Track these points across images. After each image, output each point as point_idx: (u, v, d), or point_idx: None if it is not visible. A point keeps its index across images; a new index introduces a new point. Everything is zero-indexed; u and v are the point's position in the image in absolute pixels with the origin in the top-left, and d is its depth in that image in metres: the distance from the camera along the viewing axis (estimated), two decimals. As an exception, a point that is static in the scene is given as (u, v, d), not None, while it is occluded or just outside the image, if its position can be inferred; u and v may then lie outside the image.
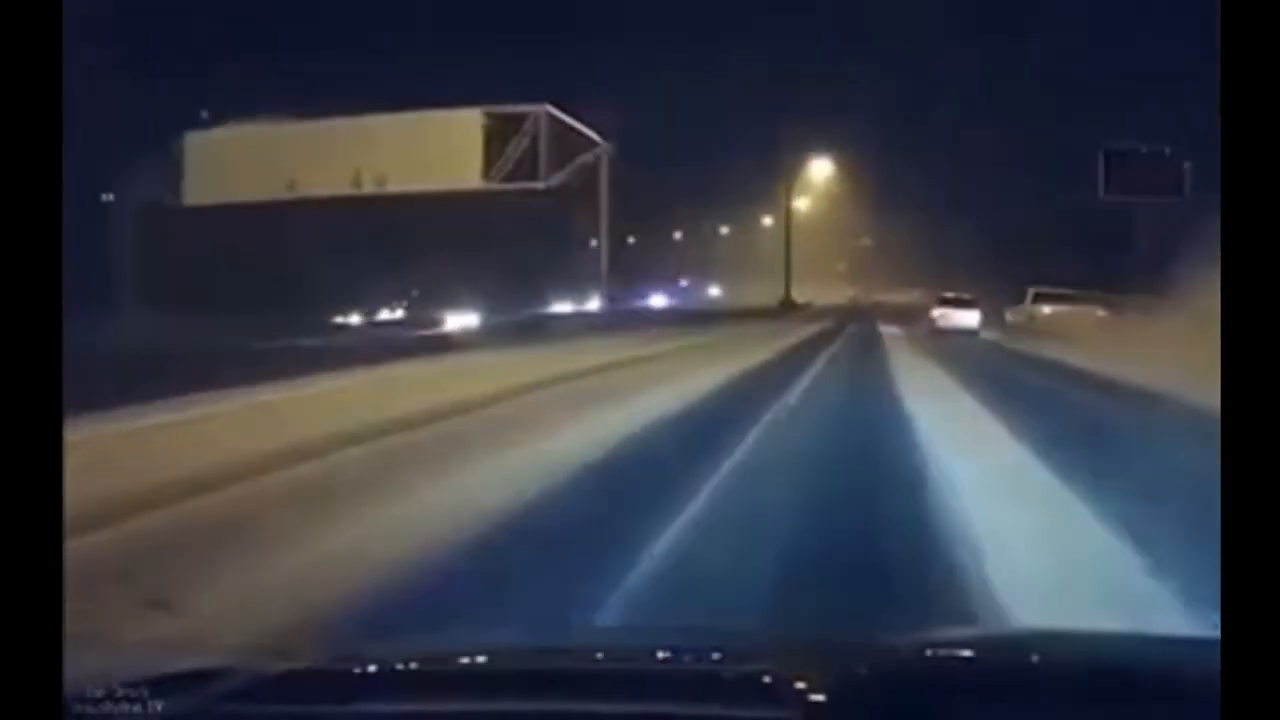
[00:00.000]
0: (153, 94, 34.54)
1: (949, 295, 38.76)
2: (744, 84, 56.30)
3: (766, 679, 1.89)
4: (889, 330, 36.37)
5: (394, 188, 43.63)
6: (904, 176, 65.72)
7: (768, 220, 78.18)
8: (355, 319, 47.57)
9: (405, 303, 53.84)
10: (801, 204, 75.08)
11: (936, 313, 37.21)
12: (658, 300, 62.61)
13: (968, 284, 40.55)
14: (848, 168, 68.75)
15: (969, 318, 35.66)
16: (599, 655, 2.16)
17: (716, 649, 2.18)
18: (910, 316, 42.72)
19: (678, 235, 73.36)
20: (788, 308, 57.09)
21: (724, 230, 77.00)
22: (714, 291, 76.76)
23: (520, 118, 44.46)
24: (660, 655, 2.11)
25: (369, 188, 44.09)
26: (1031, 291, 37.39)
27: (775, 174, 63.07)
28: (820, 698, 1.76)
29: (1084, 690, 1.73)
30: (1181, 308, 22.19)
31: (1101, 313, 32.81)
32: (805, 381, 16.77)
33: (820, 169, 68.54)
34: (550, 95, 47.08)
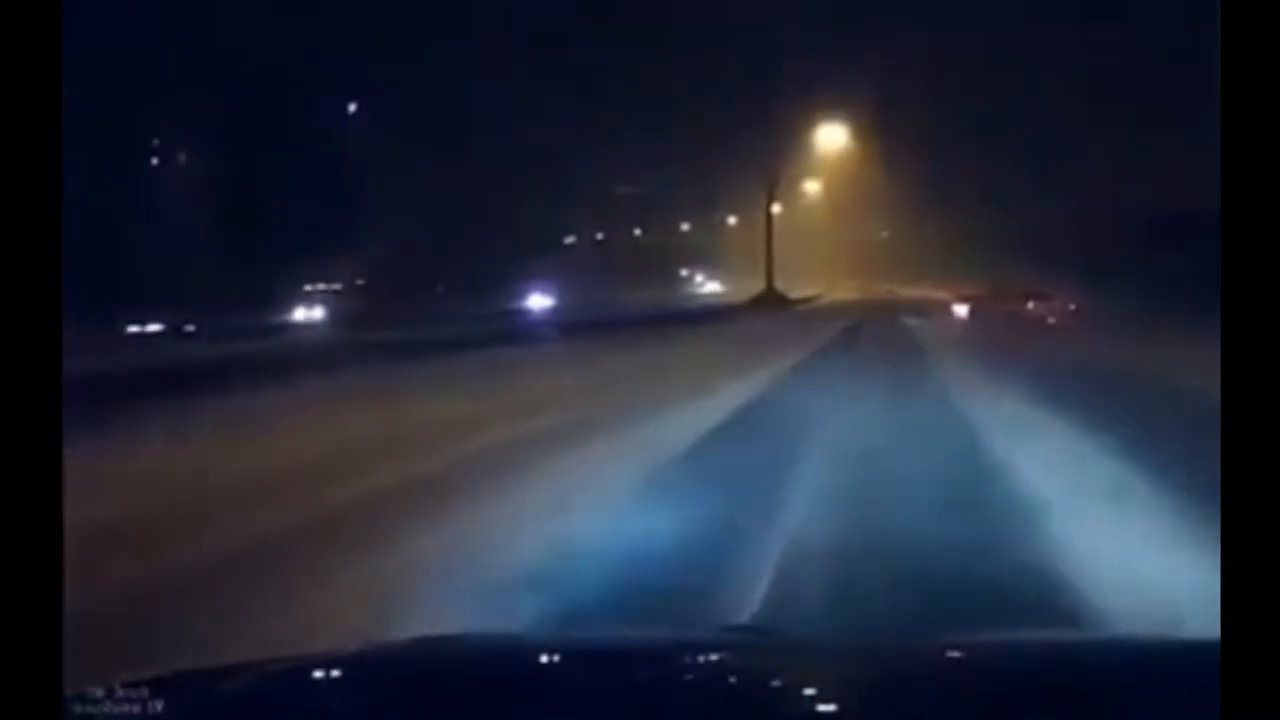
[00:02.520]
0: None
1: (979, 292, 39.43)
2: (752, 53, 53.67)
3: (775, 682, 1.89)
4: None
5: None
6: (926, 159, 63.93)
7: (777, 208, 77.15)
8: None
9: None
10: (812, 187, 74.09)
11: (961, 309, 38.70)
12: (539, 301, 47.49)
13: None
14: (863, 145, 66.85)
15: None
16: (608, 653, 2.16)
17: (724, 649, 2.18)
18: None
19: (685, 226, 72.54)
20: (770, 304, 49.61)
21: (732, 220, 76.16)
22: (713, 286, 75.40)
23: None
24: (668, 657, 2.11)
25: None
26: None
27: (787, 156, 61.24)
28: (831, 707, 1.76)
29: (1085, 692, 1.73)
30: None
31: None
32: None
33: (831, 138, 66.49)
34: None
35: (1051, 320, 33.20)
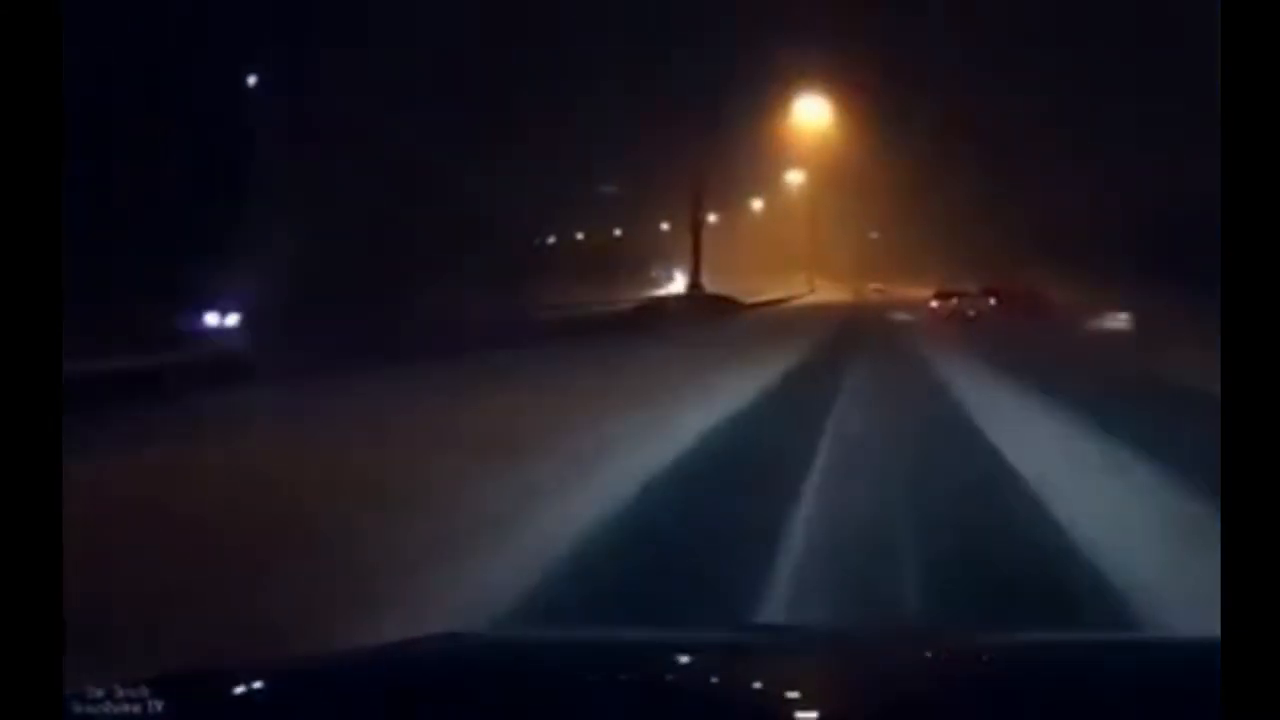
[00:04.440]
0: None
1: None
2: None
3: (775, 682, 1.90)
4: None
5: None
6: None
7: (758, 204, 76.17)
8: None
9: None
10: (795, 179, 73.14)
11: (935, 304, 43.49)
12: (217, 321, 26.41)
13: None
14: (848, 136, 65.32)
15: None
16: (609, 652, 2.15)
17: (725, 648, 2.18)
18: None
19: (665, 226, 71.82)
20: (687, 309, 41.43)
21: (712, 218, 75.04)
22: (679, 287, 74.16)
23: None
24: (670, 656, 2.10)
25: None
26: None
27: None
28: (828, 706, 1.76)
29: (1085, 692, 1.73)
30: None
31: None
32: None
33: (812, 123, 65.26)
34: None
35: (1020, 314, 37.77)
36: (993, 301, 41.11)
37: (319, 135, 32.77)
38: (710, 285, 55.94)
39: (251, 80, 31.51)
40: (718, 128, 50.68)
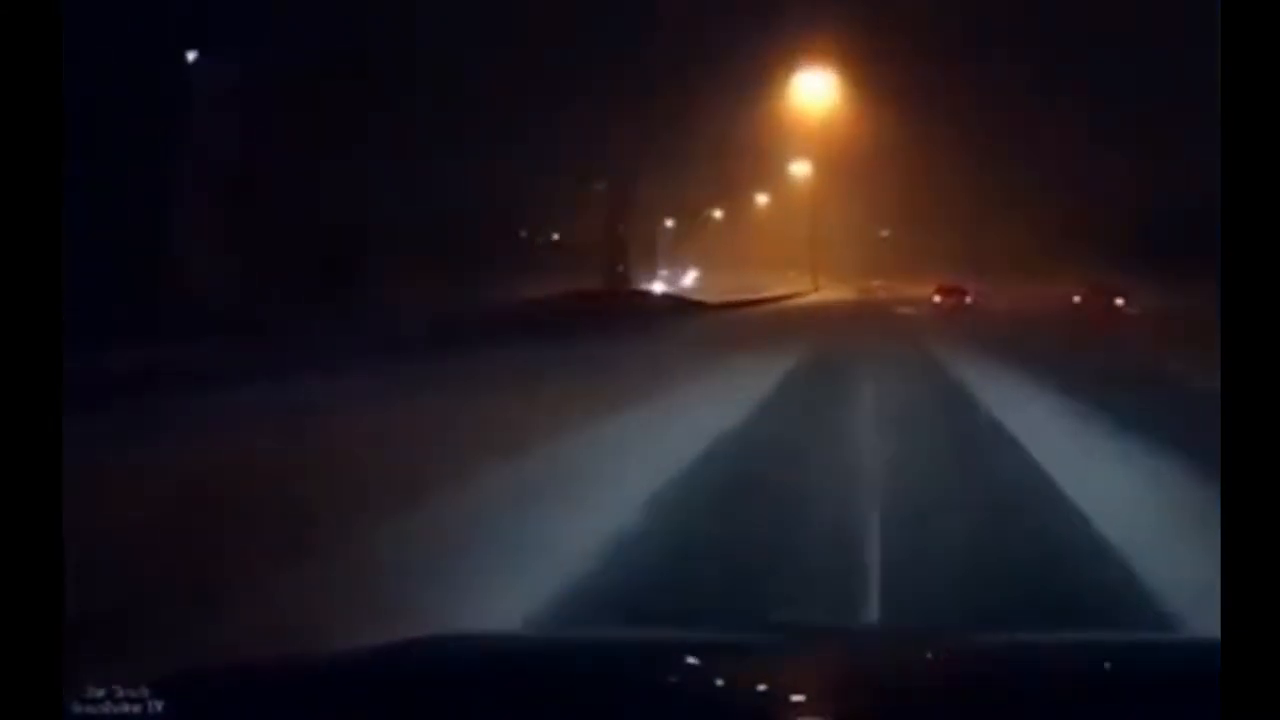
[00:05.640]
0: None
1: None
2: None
3: (774, 682, 1.89)
4: None
5: None
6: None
7: (762, 199, 75.40)
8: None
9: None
10: (801, 171, 72.12)
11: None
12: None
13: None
14: (855, 121, 64.21)
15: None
16: (608, 652, 2.15)
17: (723, 649, 2.18)
18: None
19: (669, 223, 71.51)
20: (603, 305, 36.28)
21: (718, 214, 74.60)
22: (687, 280, 73.60)
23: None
24: (668, 656, 2.10)
25: None
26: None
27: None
28: (826, 706, 1.76)
29: (1084, 692, 1.73)
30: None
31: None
32: None
33: (814, 102, 64.35)
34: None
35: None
36: (1120, 301, 41.16)
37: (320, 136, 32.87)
38: (711, 282, 55.23)
39: (245, 76, 31.06)
40: (702, 119, 49.52)
